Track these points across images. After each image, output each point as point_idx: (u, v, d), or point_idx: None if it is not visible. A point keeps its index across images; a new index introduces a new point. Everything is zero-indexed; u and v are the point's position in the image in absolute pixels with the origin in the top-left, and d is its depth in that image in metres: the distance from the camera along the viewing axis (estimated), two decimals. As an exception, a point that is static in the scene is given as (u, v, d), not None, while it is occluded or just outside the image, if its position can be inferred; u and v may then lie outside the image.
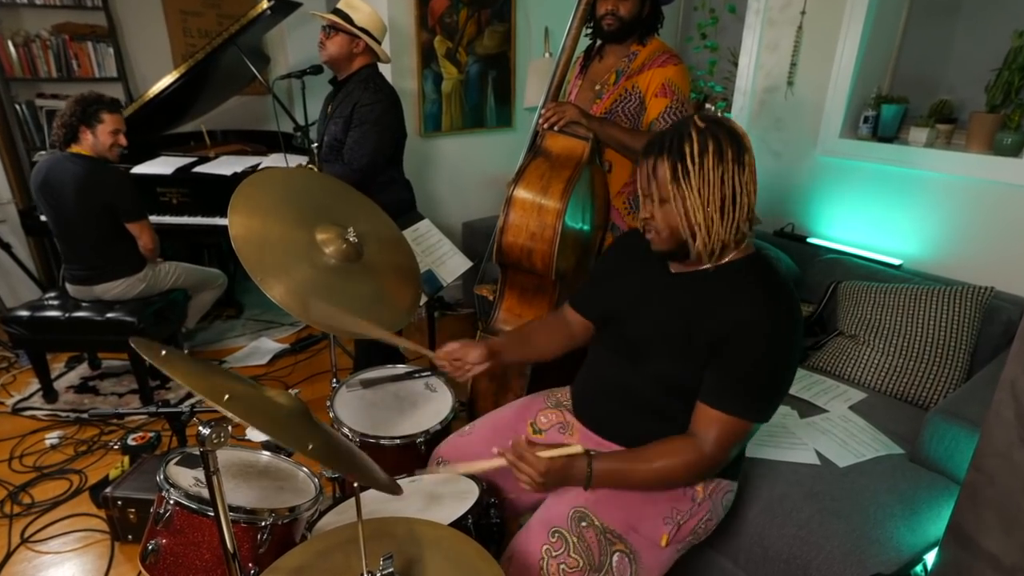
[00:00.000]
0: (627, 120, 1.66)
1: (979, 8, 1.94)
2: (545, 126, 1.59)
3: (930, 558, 1.16)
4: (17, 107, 2.81)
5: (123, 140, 2.10)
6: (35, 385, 2.31)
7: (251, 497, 1.11)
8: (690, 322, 1.00)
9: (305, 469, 1.22)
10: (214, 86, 2.74)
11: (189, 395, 2.32)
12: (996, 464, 0.86)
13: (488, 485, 1.13)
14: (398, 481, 1.15)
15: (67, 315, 2.12)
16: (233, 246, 1.10)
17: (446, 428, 1.36)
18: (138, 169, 2.54)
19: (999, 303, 1.65)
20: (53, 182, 2.02)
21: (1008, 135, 1.72)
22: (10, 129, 2.80)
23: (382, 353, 1.80)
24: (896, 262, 1.96)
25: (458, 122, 2.86)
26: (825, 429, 1.49)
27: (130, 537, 1.60)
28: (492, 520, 1.06)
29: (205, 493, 1.02)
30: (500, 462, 1.04)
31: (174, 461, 1.14)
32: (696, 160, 0.93)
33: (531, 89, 2.93)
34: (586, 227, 1.68)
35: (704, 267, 1.02)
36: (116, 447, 1.99)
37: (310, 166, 1.61)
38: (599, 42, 1.72)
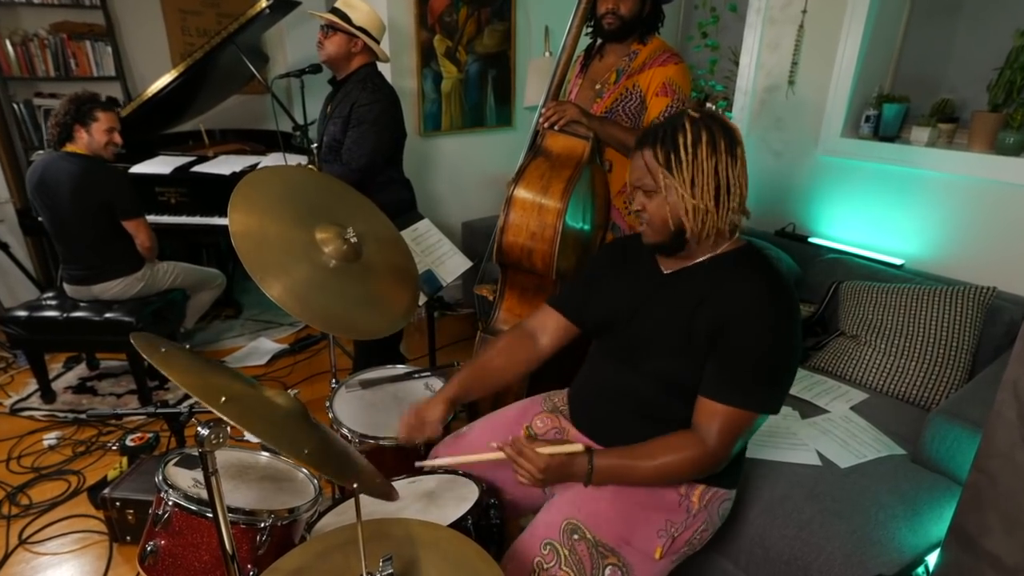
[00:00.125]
0: (628, 119, 1.65)
1: (981, 7, 1.94)
2: (545, 125, 1.59)
3: (932, 559, 1.16)
4: (15, 106, 2.80)
5: (118, 138, 2.09)
6: (33, 385, 2.31)
7: (250, 498, 1.10)
8: (688, 317, 0.99)
9: (304, 470, 1.21)
10: (213, 85, 2.73)
11: (188, 395, 2.31)
12: (998, 465, 0.86)
13: (488, 486, 1.12)
14: (398, 482, 1.16)
15: (65, 315, 2.11)
16: (233, 244, 1.10)
17: (445, 429, 1.35)
18: (136, 168, 2.53)
19: (1001, 303, 1.64)
20: (49, 181, 2.02)
21: (1010, 134, 1.72)
22: (8, 128, 2.79)
23: (381, 354, 1.79)
24: (898, 262, 1.96)
25: (458, 121, 2.85)
26: (826, 430, 1.49)
27: (128, 538, 1.60)
28: (492, 521, 1.06)
29: (204, 494, 1.01)
30: (499, 455, 1.04)
31: (173, 462, 1.13)
32: (690, 150, 0.94)
33: (531, 88, 2.92)
34: (587, 227, 1.68)
35: (697, 261, 1.03)
36: (114, 448, 1.98)
37: (310, 166, 1.60)
38: (599, 41, 1.71)
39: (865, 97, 2.08)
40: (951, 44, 2.03)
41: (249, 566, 1.01)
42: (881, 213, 2.03)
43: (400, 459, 1.28)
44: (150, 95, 2.50)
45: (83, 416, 2.14)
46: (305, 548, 0.88)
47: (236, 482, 1.14)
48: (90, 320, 2.11)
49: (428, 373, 1.56)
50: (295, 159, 2.54)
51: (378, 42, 1.95)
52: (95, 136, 2.03)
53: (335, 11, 1.89)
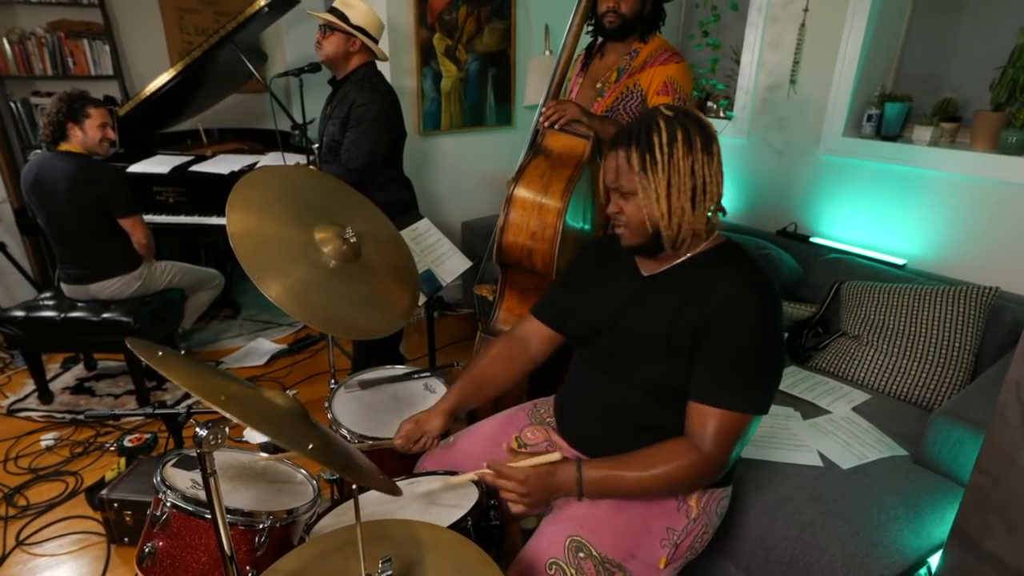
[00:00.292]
0: (629, 118, 1.65)
1: (984, 5, 1.93)
2: (546, 124, 1.58)
3: (934, 561, 1.16)
4: (12, 105, 2.79)
5: (112, 134, 2.09)
6: (30, 386, 2.30)
7: (249, 499, 1.10)
8: (671, 320, 0.98)
9: (303, 471, 1.21)
10: (211, 84, 2.72)
11: (186, 396, 2.31)
12: (1001, 466, 0.86)
13: (488, 487, 1.11)
14: (397, 483, 1.15)
15: (63, 315, 2.10)
16: (231, 244, 1.09)
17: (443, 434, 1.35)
18: (134, 168, 2.52)
19: (1004, 303, 1.64)
20: (45, 181, 2.01)
21: (1013, 133, 1.71)
22: (5, 127, 2.78)
23: (381, 354, 1.78)
24: (900, 262, 1.95)
25: (457, 120, 2.84)
26: (828, 430, 1.49)
27: (126, 540, 1.59)
28: (492, 522, 1.05)
29: (202, 495, 1.01)
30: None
31: (171, 463, 1.13)
32: (665, 149, 0.92)
33: (531, 87, 2.91)
34: (587, 226, 1.67)
35: (677, 262, 1.01)
36: (112, 449, 1.98)
37: (311, 166, 1.60)
38: (600, 40, 1.70)
39: (867, 96, 2.07)
40: (954, 43, 2.02)
41: (248, 567, 1.01)
42: (883, 213, 2.03)
43: (400, 460, 1.27)
44: (148, 94, 2.49)
45: (81, 417, 2.13)
46: (304, 549, 0.88)
47: (234, 483, 1.13)
48: (88, 320, 2.10)
49: (428, 374, 1.55)
50: (294, 158, 2.53)
51: (376, 41, 1.94)
52: (89, 133, 2.02)
53: (333, 10, 1.88)
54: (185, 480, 1.09)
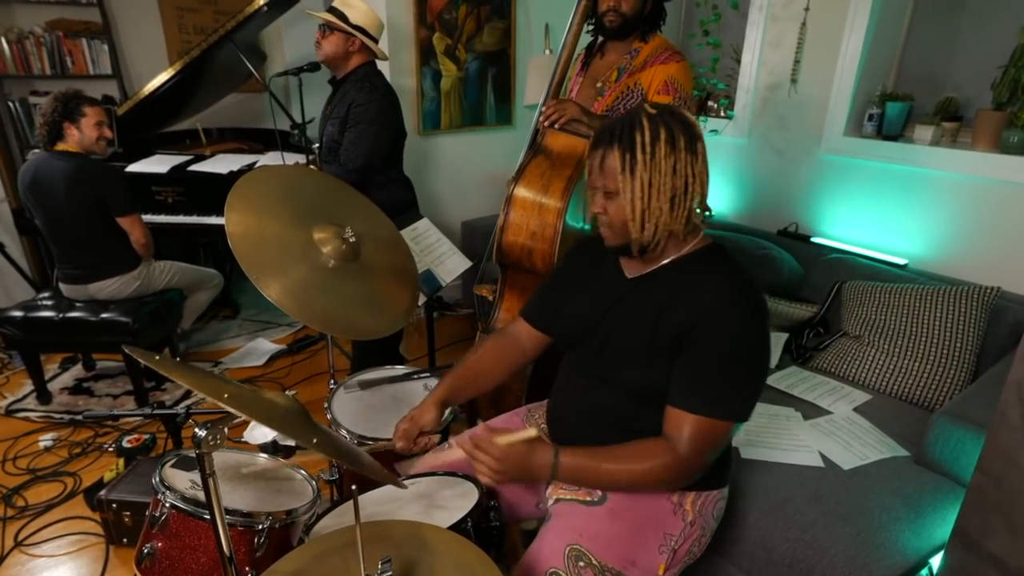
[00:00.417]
0: (629, 117, 1.64)
1: (985, 4, 1.93)
2: (546, 124, 1.57)
3: (936, 562, 1.16)
4: (10, 105, 2.79)
5: (108, 132, 2.08)
6: (29, 386, 2.29)
7: (248, 500, 1.09)
8: (654, 322, 0.96)
9: (302, 472, 1.20)
10: (210, 83, 2.71)
11: (185, 397, 2.30)
12: (1002, 467, 0.86)
13: (487, 488, 1.11)
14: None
15: (61, 315, 2.10)
16: (230, 244, 1.09)
17: (445, 430, 1.34)
18: (133, 167, 2.52)
19: (1005, 303, 1.63)
20: (43, 180, 2.00)
21: (1015, 133, 1.71)
22: (3, 127, 2.78)
23: (380, 354, 1.78)
24: (901, 262, 1.95)
25: (457, 120, 2.84)
26: (829, 431, 1.48)
27: (125, 540, 1.59)
28: (492, 523, 1.04)
29: (201, 496, 1.00)
30: (458, 453, 1.02)
31: (170, 463, 1.12)
32: (647, 149, 0.90)
33: (531, 86, 2.91)
34: (587, 226, 1.66)
35: (662, 263, 1.00)
36: (111, 449, 1.97)
37: (311, 166, 1.59)
38: (600, 39, 1.70)
39: (868, 95, 2.07)
40: (955, 42, 2.02)
41: (247, 568, 1.01)
42: (884, 212, 2.02)
43: (399, 461, 1.27)
44: (147, 93, 2.48)
45: (79, 417, 2.13)
46: (303, 550, 0.87)
47: (234, 484, 1.13)
48: (86, 320, 2.09)
49: (427, 374, 1.55)
50: (293, 158, 2.53)
51: (376, 41, 1.94)
52: (85, 131, 2.02)
53: (332, 10, 1.88)
54: (184, 481, 1.08)
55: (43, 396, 2.24)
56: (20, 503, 1.76)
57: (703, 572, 1.34)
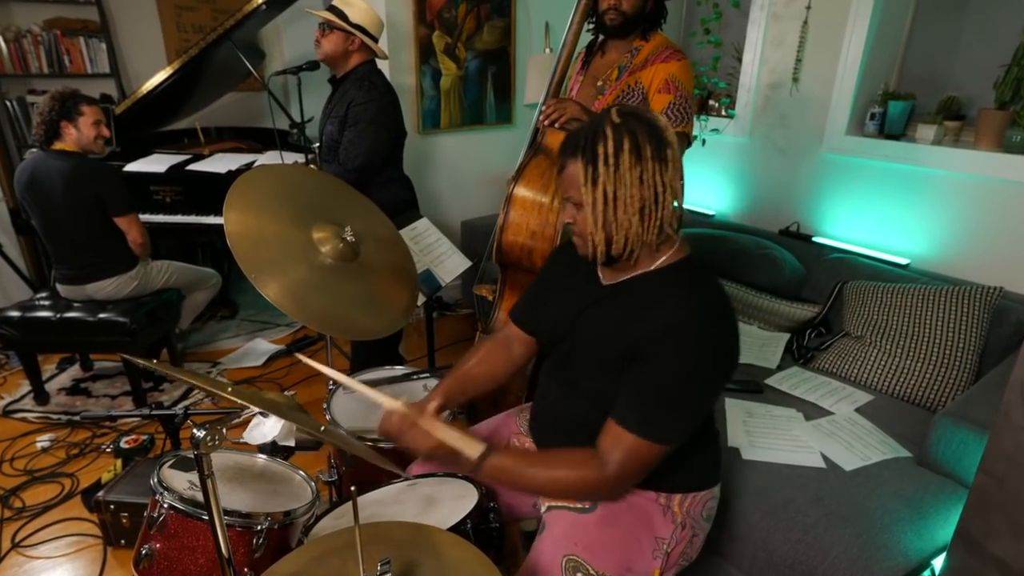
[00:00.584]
0: (630, 116, 1.63)
1: (987, 2, 1.93)
2: (546, 123, 1.56)
3: (938, 563, 1.15)
4: (7, 104, 2.78)
5: (106, 131, 2.08)
6: (26, 387, 2.28)
7: (246, 501, 1.09)
8: (616, 333, 0.94)
9: (301, 472, 1.20)
10: (209, 82, 2.71)
11: (183, 397, 2.30)
12: (1005, 467, 0.86)
13: (487, 489, 1.10)
14: (396, 485, 1.14)
15: (58, 315, 2.09)
16: (228, 243, 1.08)
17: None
18: (131, 167, 2.51)
19: (1008, 303, 1.63)
20: (40, 180, 1.99)
21: (1017, 132, 1.70)
22: (0, 126, 2.76)
23: (380, 355, 1.77)
24: (903, 262, 1.95)
25: (457, 119, 2.83)
26: (831, 432, 1.48)
27: (123, 542, 1.58)
28: (491, 524, 1.04)
29: (200, 497, 1.00)
30: (396, 405, 1.03)
31: (168, 464, 1.12)
32: (611, 160, 0.86)
33: (531, 85, 2.90)
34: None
35: (634, 275, 0.97)
36: (109, 450, 1.96)
37: (311, 165, 1.59)
38: (601, 37, 1.69)
39: (870, 94, 2.06)
40: (957, 40, 2.01)
41: (246, 569, 1.00)
42: (886, 212, 2.02)
43: (398, 461, 1.26)
44: (145, 92, 2.47)
45: (77, 418, 2.12)
46: (302, 551, 0.86)
47: (232, 484, 1.13)
48: (84, 320, 2.08)
49: (427, 375, 1.54)
50: (292, 157, 2.52)
51: (376, 40, 1.93)
52: (83, 130, 2.01)
53: (332, 9, 1.87)
54: (182, 481, 1.08)
55: (40, 397, 2.23)
56: (17, 504, 1.76)
57: (703, 573, 1.34)
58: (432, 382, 1.53)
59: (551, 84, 1.64)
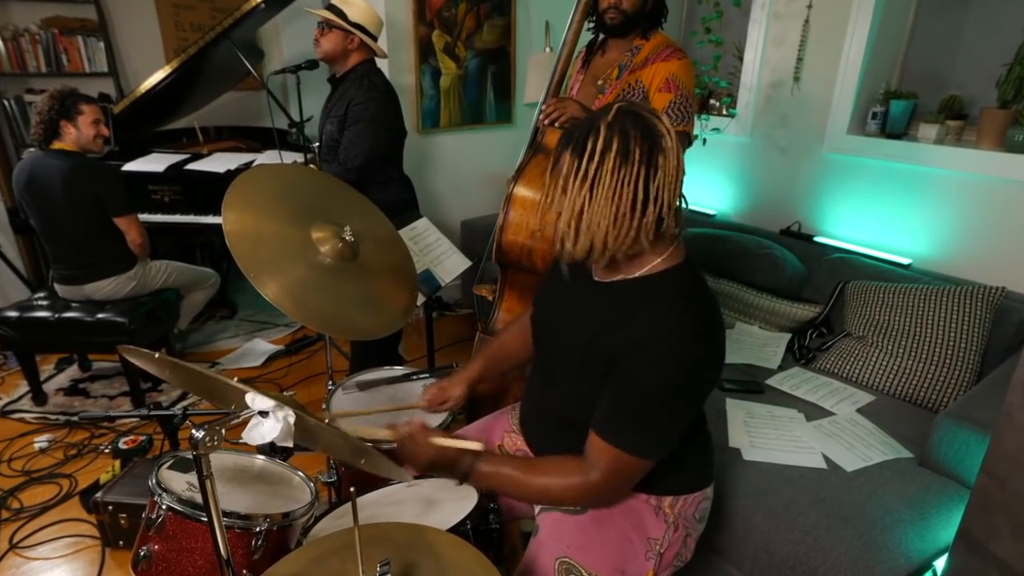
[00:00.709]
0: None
1: (989, 1, 1.92)
2: (546, 122, 1.56)
3: (940, 564, 1.15)
4: (5, 103, 2.77)
5: (105, 130, 2.07)
6: (24, 387, 2.28)
7: (245, 502, 1.08)
8: (592, 337, 0.91)
9: (301, 473, 1.19)
10: (207, 81, 2.70)
11: (182, 397, 2.29)
12: (1008, 468, 0.85)
13: (486, 491, 1.10)
14: (396, 486, 1.13)
15: (57, 316, 2.08)
16: (227, 243, 1.08)
17: (445, 430, 1.33)
18: (129, 166, 2.50)
19: (1010, 303, 1.62)
20: (39, 180, 1.99)
21: (1020, 131, 1.70)
22: (-1, 125, 2.76)
23: (379, 355, 1.77)
24: (905, 261, 1.94)
25: (457, 118, 2.83)
26: (832, 432, 1.47)
27: (121, 543, 1.57)
28: (491, 525, 1.04)
29: (198, 498, 0.99)
30: (387, 435, 1.04)
31: (166, 465, 1.11)
32: (596, 158, 0.82)
33: (531, 84, 2.89)
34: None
35: (625, 277, 0.92)
36: (107, 451, 1.96)
37: (311, 165, 1.58)
38: (601, 36, 1.68)
39: (872, 93, 2.06)
40: (959, 39, 2.01)
41: (244, 571, 1.00)
42: (888, 212, 2.01)
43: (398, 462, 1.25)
44: (143, 91, 2.47)
45: (75, 418, 2.11)
46: (301, 553, 0.86)
47: (231, 486, 1.12)
48: (82, 321, 2.08)
49: (426, 375, 1.53)
50: (291, 156, 2.52)
51: (375, 38, 1.92)
52: (83, 129, 2.00)
53: (331, 7, 1.87)
54: (181, 482, 1.07)
55: (38, 397, 2.23)
56: (15, 505, 1.75)
57: (704, 574, 1.33)
58: (431, 382, 1.52)
59: (551, 83, 1.64)
